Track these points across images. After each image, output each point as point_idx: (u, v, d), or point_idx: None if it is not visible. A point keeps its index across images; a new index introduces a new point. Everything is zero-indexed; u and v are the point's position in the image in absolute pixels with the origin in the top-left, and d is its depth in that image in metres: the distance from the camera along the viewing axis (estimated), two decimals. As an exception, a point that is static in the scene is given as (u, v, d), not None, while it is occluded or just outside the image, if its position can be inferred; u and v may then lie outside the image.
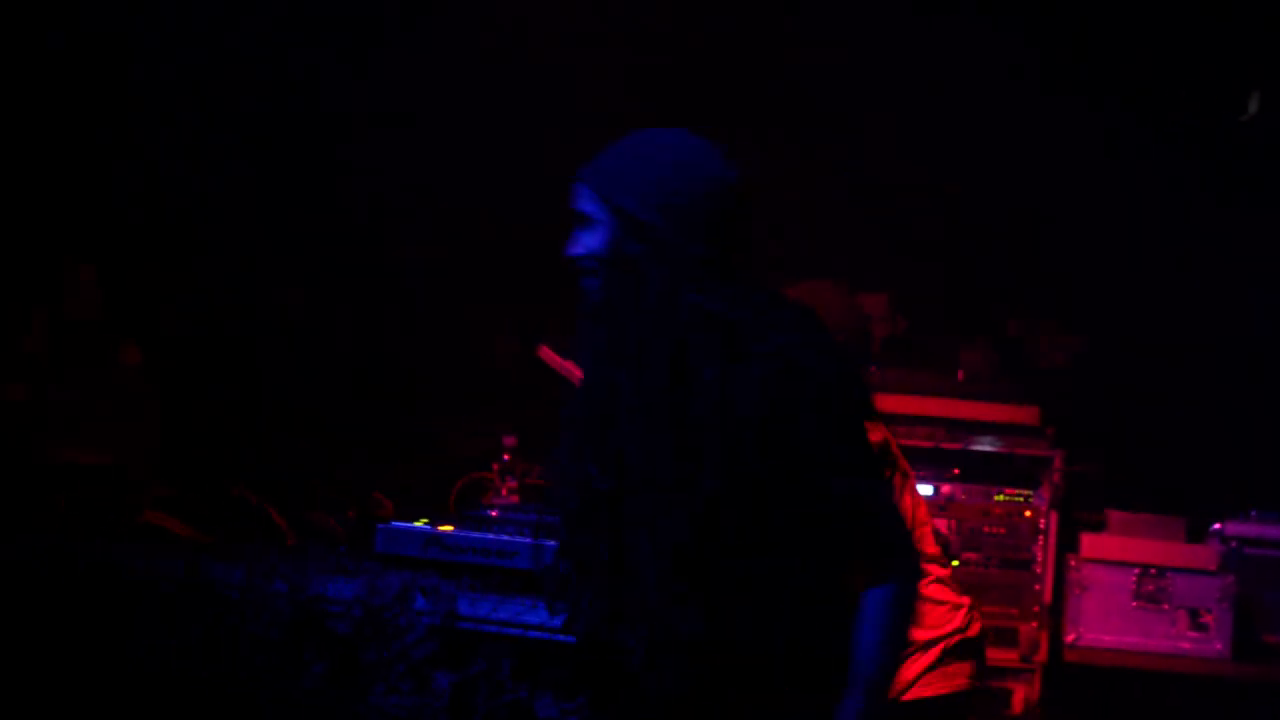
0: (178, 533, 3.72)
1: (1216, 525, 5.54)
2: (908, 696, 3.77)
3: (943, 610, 3.83)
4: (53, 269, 4.56)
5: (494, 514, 3.64)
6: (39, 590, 3.37)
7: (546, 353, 5.00)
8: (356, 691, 3.12)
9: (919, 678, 3.77)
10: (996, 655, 5.35)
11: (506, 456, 4.23)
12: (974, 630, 3.84)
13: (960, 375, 5.71)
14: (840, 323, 4.03)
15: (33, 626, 3.36)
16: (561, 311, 5.56)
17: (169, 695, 3.25)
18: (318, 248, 5.42)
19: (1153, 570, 5.44)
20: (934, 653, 3.78)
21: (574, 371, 4.80)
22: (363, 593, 3.15)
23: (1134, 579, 5.45)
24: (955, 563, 5.47)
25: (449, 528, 3.33)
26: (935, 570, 3.86)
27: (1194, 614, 5.41)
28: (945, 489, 5.58)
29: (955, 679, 3.79)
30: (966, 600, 3.90)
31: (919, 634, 3.78)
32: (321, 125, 5.57)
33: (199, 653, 3.24)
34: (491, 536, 3.23)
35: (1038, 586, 5.52)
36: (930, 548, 3.87)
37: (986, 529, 5.57)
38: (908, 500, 3.88)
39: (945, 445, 5.53)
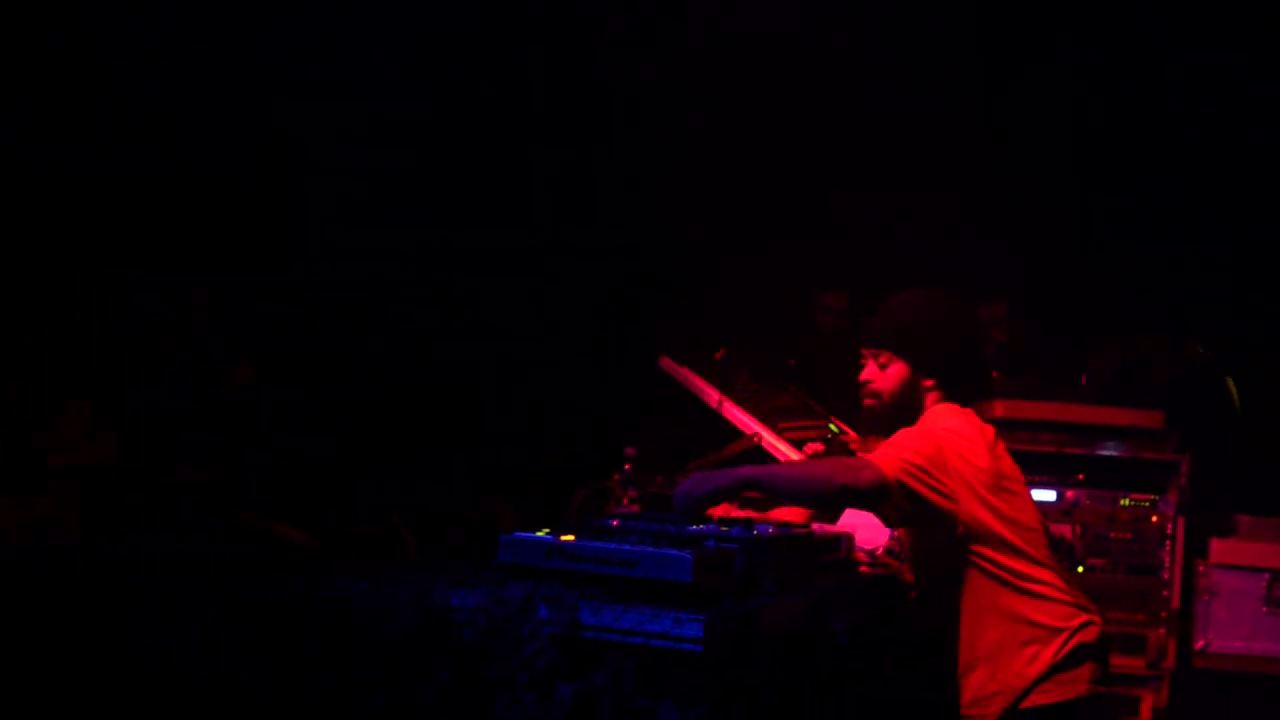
0: (302, 544, 3.78)
1: (1349, 529, 5.45)
2: (1025, 704, 3.75)
3: (1066, 608, 3.80)
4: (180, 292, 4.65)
5: (615, 523, 3.66)
6: (168, 603, 3.44)
7: (667, 363, 5.04)
8: (480, 703, 3.15)
9: (1040, 679, 3.75)
10: (1124, 662, 5.30)
11: (627, 466, 4.25)
12: (1091, 634, 3.81)
13: (1084, 380, 5.65)
14: (949, 330, 4.03)
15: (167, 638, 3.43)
16: (680, 323, 5.62)
17: (293, 704, 3.31)
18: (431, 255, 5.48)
19: (1284, 575, 5.38)
20: (1054, 645, 3.75)
21: (691, 380, 4.84)
22: (486, 602, 3.18)
23: (1264, 584, 5.38)
24: (1080, 569, 5.42)
25: (570, 537, 3.35)
26: (1055, 565, 3.85)
27: (1326, 620, 5.33)
28: (1070, 494, 5.53)
29: (1074, 685, 3.76)
30: (1086, 603, 3.88)
31: (1046, 620, 3.76)
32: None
33: (323, 664, 3.29)
34: (614, 546, 3.24)
35: (1165, 592, 5.46)
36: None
37: (1113, 535, 5.51)
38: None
39: (1069, 450, 5.48)
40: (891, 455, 3.72)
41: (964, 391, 4.00)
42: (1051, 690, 3.74)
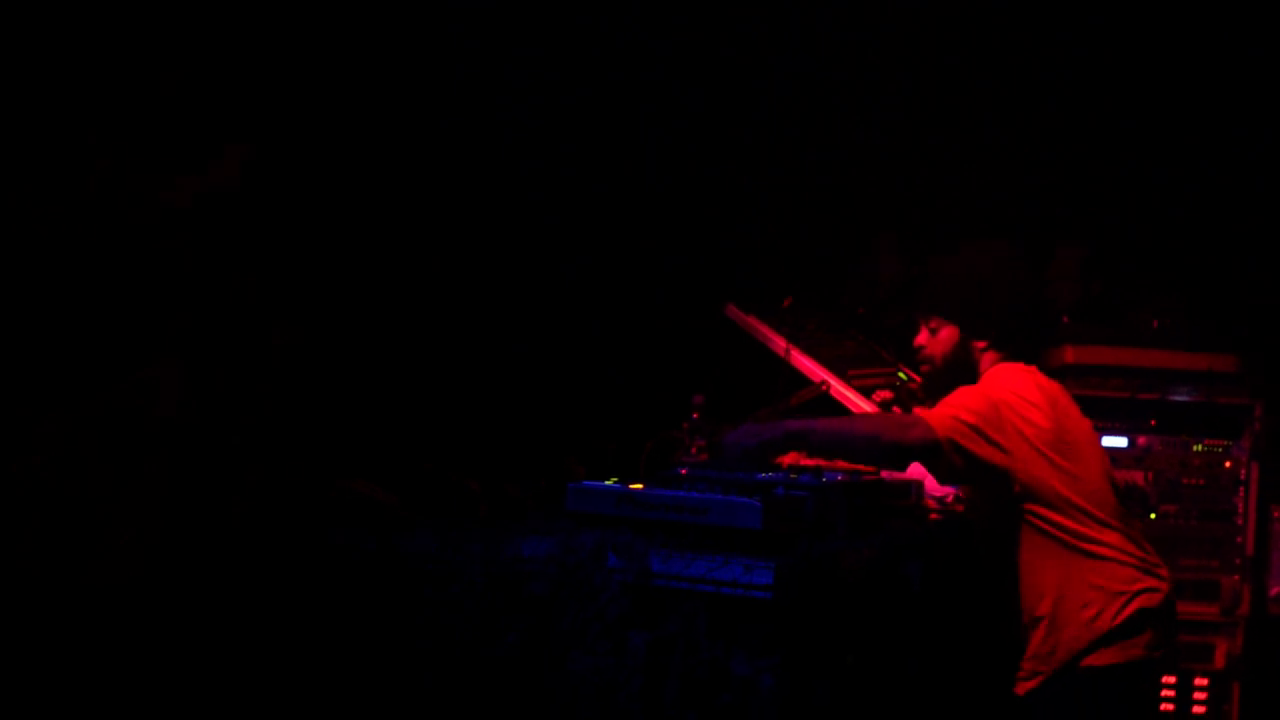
0: (378, 499, 3.79)
1: None
2: (1084, 663, 3.73)
3: (1128, 569, 3.77)
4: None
5: (684, 472, 3.65)
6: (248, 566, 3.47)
7: (734, 311, 5.02)
8: (554, 653, 3.15)
9: (1097, 642, 3.72)
10: (1198, 610, 5.26)
11: (695, 415, 4.24)
12: (1153, 600, 3.77)
13: (1155, 324, 5.58)
14: (999, 290, 4.00)
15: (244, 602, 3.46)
16: (746, 270, 5.59)
17: (364, 660, 3.32)
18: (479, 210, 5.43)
19: (1359, 520, 5.32)
20: (1114, 608, 3.72)
21: (758, 328, 4.82)
22: (557, 551, 3.18)
23: (1339, 530, 5.32)
24: (1153, 515, 5.38)
25: (639, 486, 3.35)
26: (1120, 525, 3.81)
27: (1404, 564, 5.27)
28: (1142, 440, 5.48)
29: (1131, 649, 3.73)
30: (1155, 564, 3.83)
31: (1106, 582, 3.74)
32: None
33: (395, 619, 3.30)
34: (682, 493, 3.24)
35: (1239, 539, 5.40)
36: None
37: (1185, 480, 5.46)
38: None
39: (1141, 396, 5.43)
40: (944, 413, 3.71)
41: (1021, 349, 3.97)
42: (1109, 653, 3.72)
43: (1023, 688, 3.83)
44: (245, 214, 3.92)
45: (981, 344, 3.98)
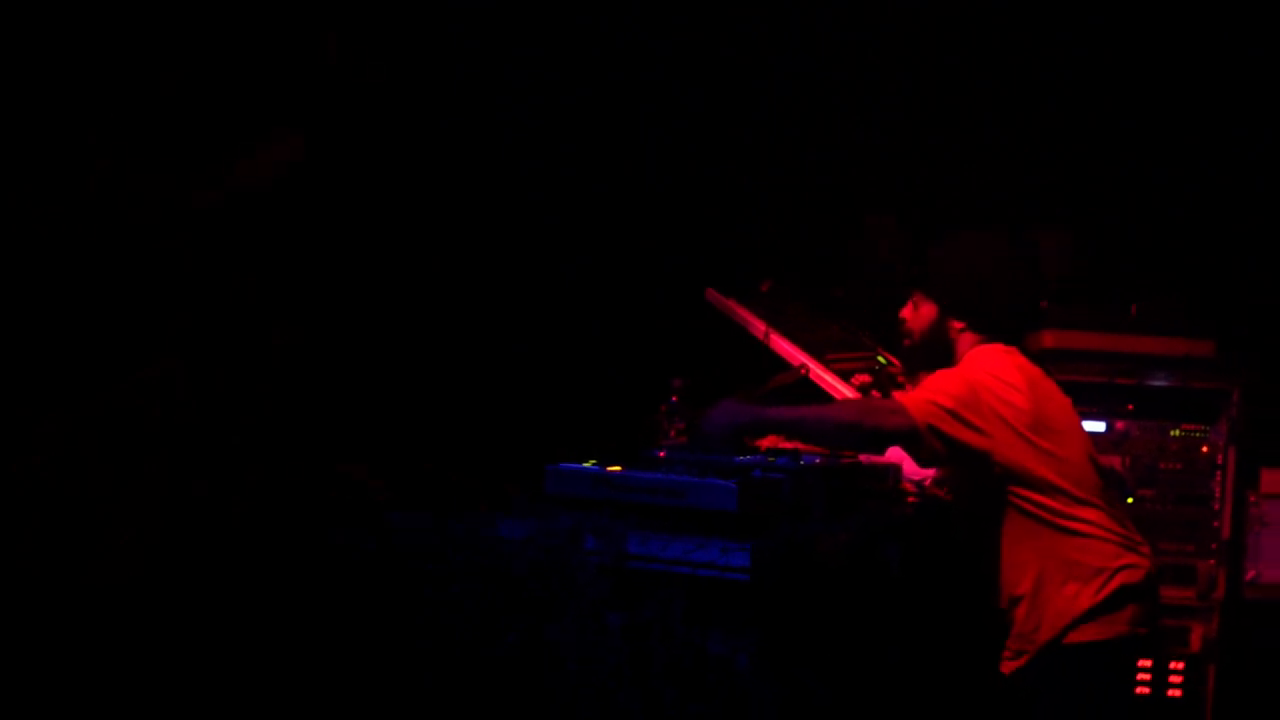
0: (367, 484, 3.79)
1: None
2: (1068, 640, 3.76)
3: (1110, 546, 3.79)
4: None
5: (662, 455, 3.66)
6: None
7: (714, 295, 5.02)
8: (530, 631, 3.16)
9: (1080, 619, 3.74)
10: (1174, 594, 5.29)
11: (674, 399, 4.25)
12: (1135, 576, 3.79)
13: (1134, 309, 5.60)
14: (980, 273, 4.03)
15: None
16: (727, 257, 5.59)
17: (364, 660, 3.33)
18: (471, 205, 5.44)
19: (1336, 505, 5.34)
20: (1095, 584, 3.75)
21: (738, 311, 4.83)
22: (535, 533, 3.19)
23: (1316, 514, 5.35)
24: (1130, 500, 5.40)
25: (617, 468, 3.36)
26: (1102, 504, 3.84)
27: (1379, 549, 5.30)
28: (1120, 425, 5.50)
29: (1115, 625, 3.76)
30: (1137, 542, 3.86)
31: (1088, 559, 3.76)
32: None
33: (394, 619, 3.31)
34: (660, 475, 3.25)
35: (1216, 523, 5.43)
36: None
37: (1163, 465, 5.48)
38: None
39: (1119, 381, 5.45)
40: (922, 397, 3.74)
41: (1000, 332, 3.99)
42: (1092, 629, 3.75)
43: (1008, 667, 3.86)
44: (277, 213, 3.94)
45: (959, 325, 4.01)
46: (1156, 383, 5.44)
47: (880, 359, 4.72)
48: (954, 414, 3.71)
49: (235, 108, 3.96)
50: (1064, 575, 3.76)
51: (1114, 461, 5.39)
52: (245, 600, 3.47)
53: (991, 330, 3.99)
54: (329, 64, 4.24)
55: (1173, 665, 5.37)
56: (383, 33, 4.68)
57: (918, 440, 3.70)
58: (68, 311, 3.64)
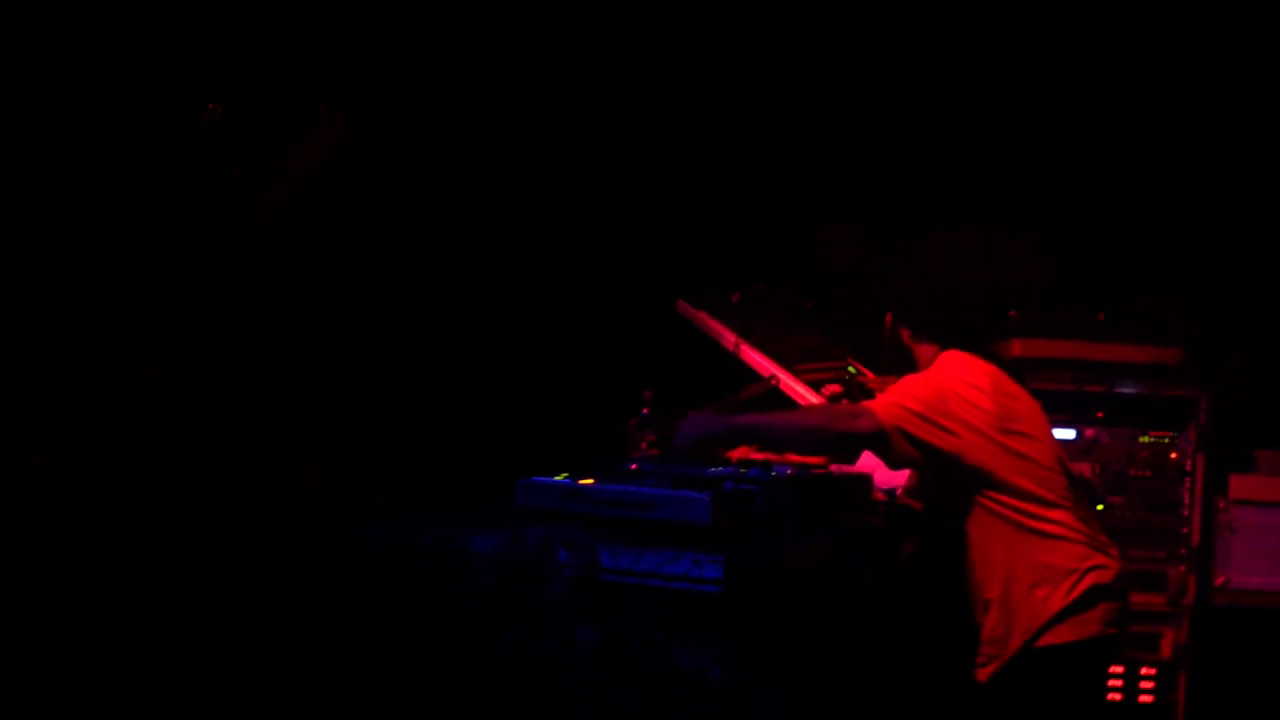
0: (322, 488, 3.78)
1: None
2: (1040, 643, 3.77)
3: (1080, 548, 3.81)
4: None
5: (633, 467, 3.66)
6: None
7: (684, 306, 5.03)
8: (500, 642, 3.15)
9: (1052, 621, 3.76)
10: (1144, 599, 5.30)
11: (645, 411, 4.25)
12: (1105, 576, 3.81)
13: (1102, 317, 5.62)
14: (937, 293, 4.08)
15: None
16: (698, 267, 5.59)
17: (365, 660, 3.31)
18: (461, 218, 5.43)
19: (1303, 511, 5.36)
20: (1065, 586, 3.76)
21: (708, 323, 4.84)
22: (506, 546, 3.18)
23: (1284, 520, 5.37)
24: (1100, 507, 5.42)
25: (589, 481, 3.35)
26: (1070, 506, 3.85)
27: (1347, 554, 5.32)
28: (1089, 432, 5.51)
29: (1087, 626, 3.77)
30: (1106, 543, 3.88)
31: (1058, 561, 3.77)
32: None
33: (394, 619, 3.29)
34: (631, 488, 3.25)
35: (1185, 529, 5.45)
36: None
37: (1132, 472, 5.50)
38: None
39: (1088, 388, 5.46)
40: (890, 401, 3.77)
41: (956, 344, 4.02)
42: (1064, 630, 3.76)
43: (983, 674, 3.87)
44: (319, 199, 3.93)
45: (926, 343, 4.05)
46: (1125, 390, 5.46)
47: (850, 369, 4.73)
48: (921, 416, 3.73)
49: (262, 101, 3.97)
50: (1034, 578, 3.78)
51: (1084, 468, 5.40)
52: (245, 600, 3.46)
53: (945, 343, 4.02)
54: (333, 64, 4.24)
55: (1143, 670, 5.38)
56: (382, 33, 4.68)
57: (887, 443, 3.72)
58: (68, 312, 3.63)
